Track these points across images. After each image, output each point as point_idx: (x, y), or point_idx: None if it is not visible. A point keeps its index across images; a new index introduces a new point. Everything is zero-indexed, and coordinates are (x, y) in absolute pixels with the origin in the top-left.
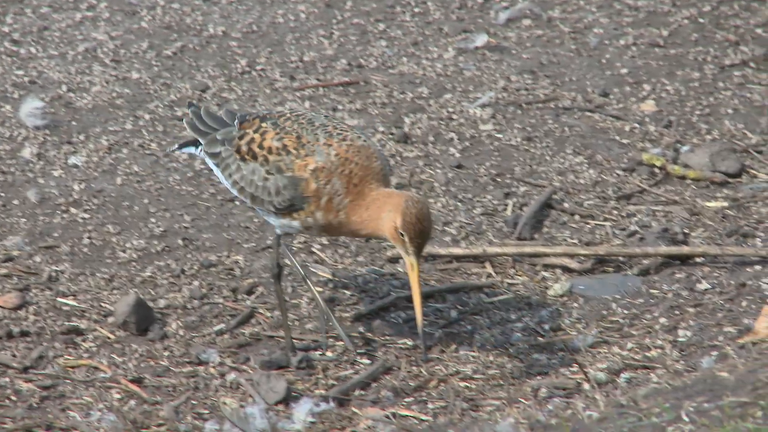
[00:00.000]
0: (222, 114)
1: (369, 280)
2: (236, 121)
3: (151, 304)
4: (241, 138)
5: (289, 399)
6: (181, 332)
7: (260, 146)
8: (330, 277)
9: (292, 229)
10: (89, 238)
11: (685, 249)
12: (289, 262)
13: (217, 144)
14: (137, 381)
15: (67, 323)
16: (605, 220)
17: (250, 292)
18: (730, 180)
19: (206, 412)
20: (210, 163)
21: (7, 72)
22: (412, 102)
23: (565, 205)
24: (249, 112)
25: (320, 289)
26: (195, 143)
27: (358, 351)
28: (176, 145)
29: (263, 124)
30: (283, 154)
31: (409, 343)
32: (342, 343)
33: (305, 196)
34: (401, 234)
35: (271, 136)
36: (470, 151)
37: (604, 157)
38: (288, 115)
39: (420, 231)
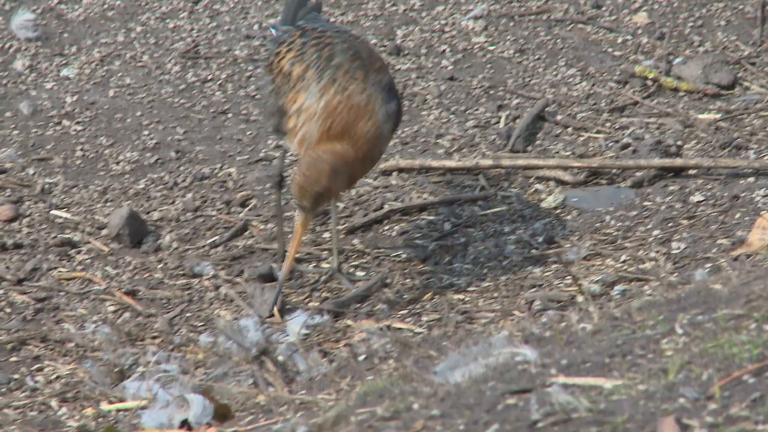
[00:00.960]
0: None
1: (362, 192)
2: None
3: (144, 216)
4: (278, 46)
5: (283, 311)
6: (174, 244)
7: (278, 63)
8: None
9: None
10: (82, 150)
11: (678, 161)
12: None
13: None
14: (131, 293)
15: (60, 235)
16: (598, 132)
17: (243, 205)
18: (723, 92)
19: (201, 324)
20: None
21: None
22: (404, 14)
23: (558, 117)
24: (319, 20)
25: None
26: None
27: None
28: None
29: (296, 41)
30: (284, 82)
31: (403, 255)
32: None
33: (285, 128)
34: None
35: (289, 57)
36: (463, 64)
37: (597, 70)
38: (321, 39)
39: (297, 188)
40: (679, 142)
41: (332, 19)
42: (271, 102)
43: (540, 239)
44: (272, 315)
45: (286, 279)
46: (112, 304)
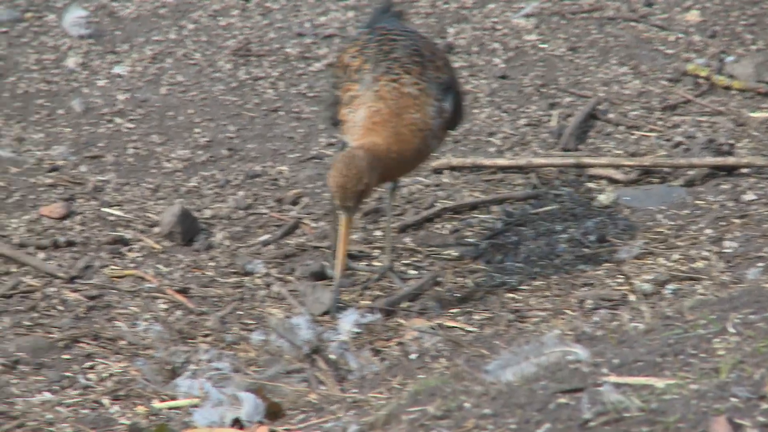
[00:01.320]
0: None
1: (413, 191)
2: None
3: (196, 214)
4: (347, 44)
5: (335, 309)
6: (226, 243)
7: (340, 58)
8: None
9: None
10: (134, 148)
11: (730, 160)
12: None
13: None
14: (183, 291)
15: (112, 233)
16: (650, 130)
17: (295, 203)
18: None
19: (252, 322)
20: None
21: None
22: (455, 12)
23: (610, 115)
24: (395, 23)
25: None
26: None
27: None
28: None
29: (362, 38)
30: (342, 73)
31: (455, 254)
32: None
33: (339, 118)
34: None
35: (351, 52)
36: (514, 62)
37: (649, 68)
38: (386, 35)
39: (339, 190)
40: (731, 141)
41: None
42: (328, 94)
43: (592, 238)
44: (329, 313)
45: (341, 278)
46: (163, 302)
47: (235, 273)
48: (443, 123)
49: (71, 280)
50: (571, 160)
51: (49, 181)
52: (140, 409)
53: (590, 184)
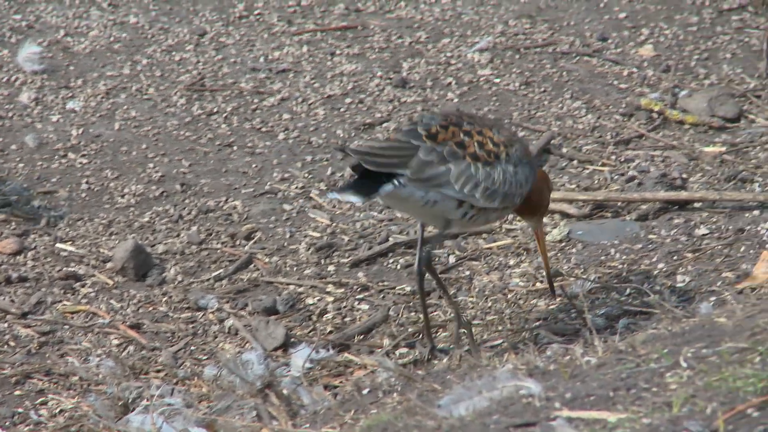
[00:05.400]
0: (400, 136)
1: (367, 226)
2: (421, 133)
3: (149, 249)
4: (462, 146)
5: (287, 345)
6: (179, 278)
7: (495, 144)
8: (329, 222)
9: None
10: (87, 183)
11: (683, 194)
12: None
13: (434, 165)
14: (136, 327)
15: (65, 269)
16: (603, 165)
17: (248, 238)
18: (728, 125)
19: (205, 357)
20: (421, 191)
21: (5, 16)
22: (410, 47)
23: (564, 150)
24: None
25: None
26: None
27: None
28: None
29: (462, 128)
30: (507, 146)
31: (407, 288)
32: (341, 290)
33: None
34: None
35: (489, 134)
36: (468, 96)
37: (603, 102)
38: (458, 115)
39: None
40: (684, 175)
41: (338, 52)
42: (521, 171)
43: (545, 272)
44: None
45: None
46: (116, 338)
47: (187, 308)
48: None
49: (23, 315)
50: None
51: (1, 216)
52: None
53: (544, 219)
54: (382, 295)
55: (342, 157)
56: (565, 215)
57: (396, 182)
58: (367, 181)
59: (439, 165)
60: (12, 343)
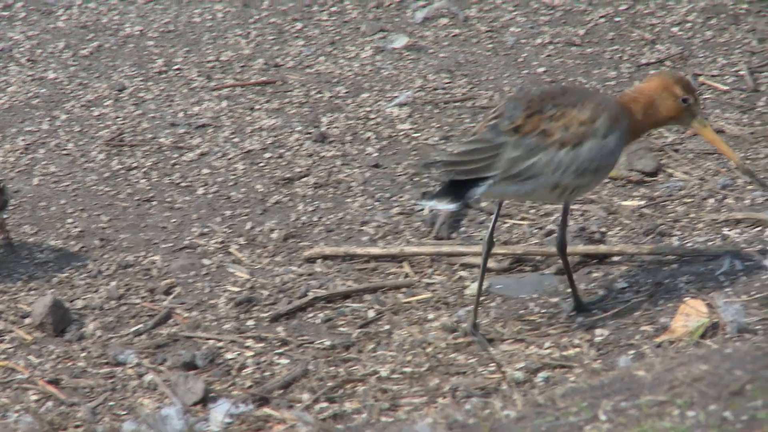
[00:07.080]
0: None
1: (286, 280)
2: (504, 129)
3: (68, 304)
4: (547, 135)
5: (206, 400)
6: (98, 333)
7: (581, 124)
8: (248, 277)
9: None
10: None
11: (602, 248)
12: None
13: (521, 160)
14: (54, 382)
15: None
16: (522, 219)
17: (167, 293)
18: (646, 179)
19: (124, 413)
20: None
21: None
22: (329, 101)
23: (482, 204)
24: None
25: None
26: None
27: (275, 352)
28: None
29: (545, 114)
30: (592, 121)
31: (327, 343)
32: (260, 345)
33: None
34: None
35: (572, 113)
36: (388, 150)
37: None
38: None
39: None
40: (603, 229)
41: (257, 107)
42: (612, 139)
43: (464, 326)
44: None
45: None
46: (34, 393)
47: (106, 363)
48: None
49: None
50: (443, 249)
51: None
52: None
53: (463, 273)
54: (301, 350)
55: (417, 174)
56: None
57: (488, 182)
58: (458, 184)
59: (527, 159)
60: None
